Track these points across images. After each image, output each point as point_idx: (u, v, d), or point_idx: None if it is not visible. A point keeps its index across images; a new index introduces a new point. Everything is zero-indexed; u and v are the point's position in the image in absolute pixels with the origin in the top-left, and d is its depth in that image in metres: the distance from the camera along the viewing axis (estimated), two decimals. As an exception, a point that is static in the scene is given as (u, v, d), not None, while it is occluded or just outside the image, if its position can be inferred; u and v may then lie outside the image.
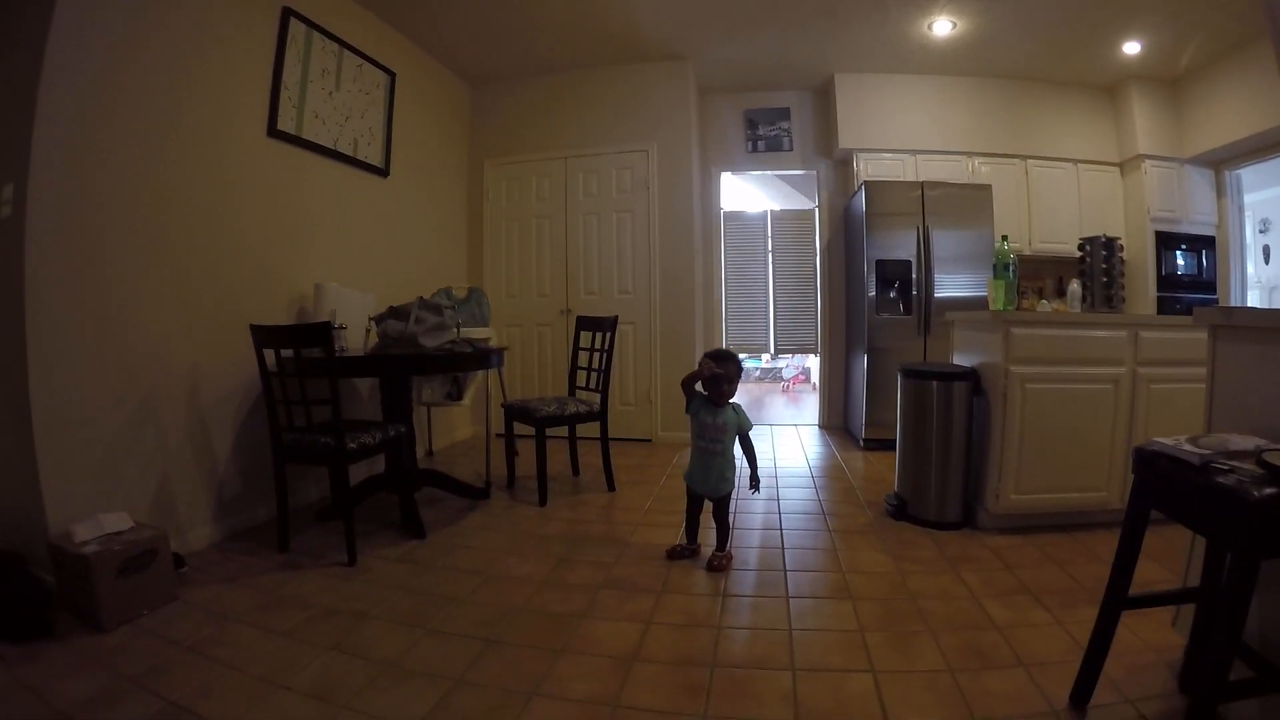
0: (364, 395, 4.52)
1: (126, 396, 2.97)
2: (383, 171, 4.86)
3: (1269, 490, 1.38)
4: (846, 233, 6.39)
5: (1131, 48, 5.31)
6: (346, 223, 4.48)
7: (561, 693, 2.03)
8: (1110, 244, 4.74)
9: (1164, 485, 1.68)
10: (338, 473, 3.12)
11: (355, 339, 3.88)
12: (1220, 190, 5.96)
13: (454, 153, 6.07)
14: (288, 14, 3.88)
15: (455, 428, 5.94)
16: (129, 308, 2.98)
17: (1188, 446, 1.64)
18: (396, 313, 3.60)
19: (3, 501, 2.74)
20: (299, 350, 3.01)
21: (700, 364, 3.01)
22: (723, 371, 2.98)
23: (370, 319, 3.80)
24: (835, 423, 6.68)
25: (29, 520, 2.65)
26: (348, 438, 3.07)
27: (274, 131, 3.81)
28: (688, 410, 3.11)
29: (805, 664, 2.19)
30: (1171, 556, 2.62)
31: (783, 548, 3.30)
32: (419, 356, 3.48)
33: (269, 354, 3.15)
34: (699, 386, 3.05)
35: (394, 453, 3.52)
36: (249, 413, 3.60)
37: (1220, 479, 1.48)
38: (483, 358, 3.71)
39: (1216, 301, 5.83)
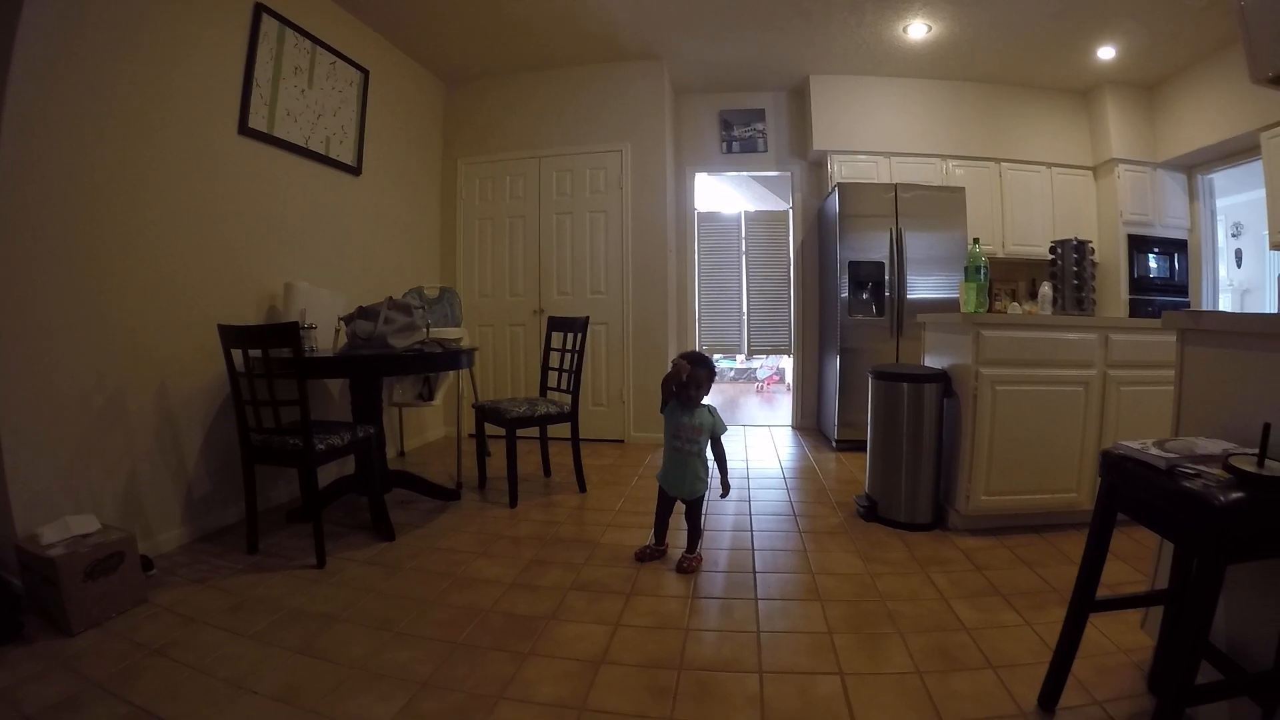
0: (334, 396, 4.47)
1: (94, 396, 2.91)
2: (355, 170, 4.80)
3: (1235, 495, 1.39)
4: (820, 234, 6.41)
5: (1106, 53, 5.37)
6: (318, 222, 4.42)
7: (528, 696, 2.01)
8: (1081, 246, 4.77)
9: (1131, 489, 1.69)
10: (306, 474, 3.07)
11: (325, 339, 3.84)
12: (1193, 194, 6.04)
13: (427, 151, 6.02)
14: (260, 10, 3.83)
15: (427, 428, 5.89)
16: (98, 306, 2.93)
17: (1154, 450, 1.65)
18: (365, 313, 3.55)
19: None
20: (267, 350, 2.96)
21: (676, 365, 3.00)
22: (691, 374, 2.98)
23: (339, 319, 3.75)
24: (808, 423, 6.70)
25: None
26: (316, 439, 3.03)
27: (245, 129, 3.76)
28: (663, 409, 3.11)
29: (773, 666, 2.19)
30: (1140, 557, 2.65)
31: (753, 549, 3.30)
32: (388, 357, 3.43)
33: (237, 354, 3.10)
34: (674, 388, 3.05)
35: (364, 454, 3.48)
36: (218, 413, 3.55)
37: (1187, 484, 1.48)
38: (453, 358, 3.68)
39: (1188, 305, 5.90)
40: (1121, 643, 2.26)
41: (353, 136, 4.78)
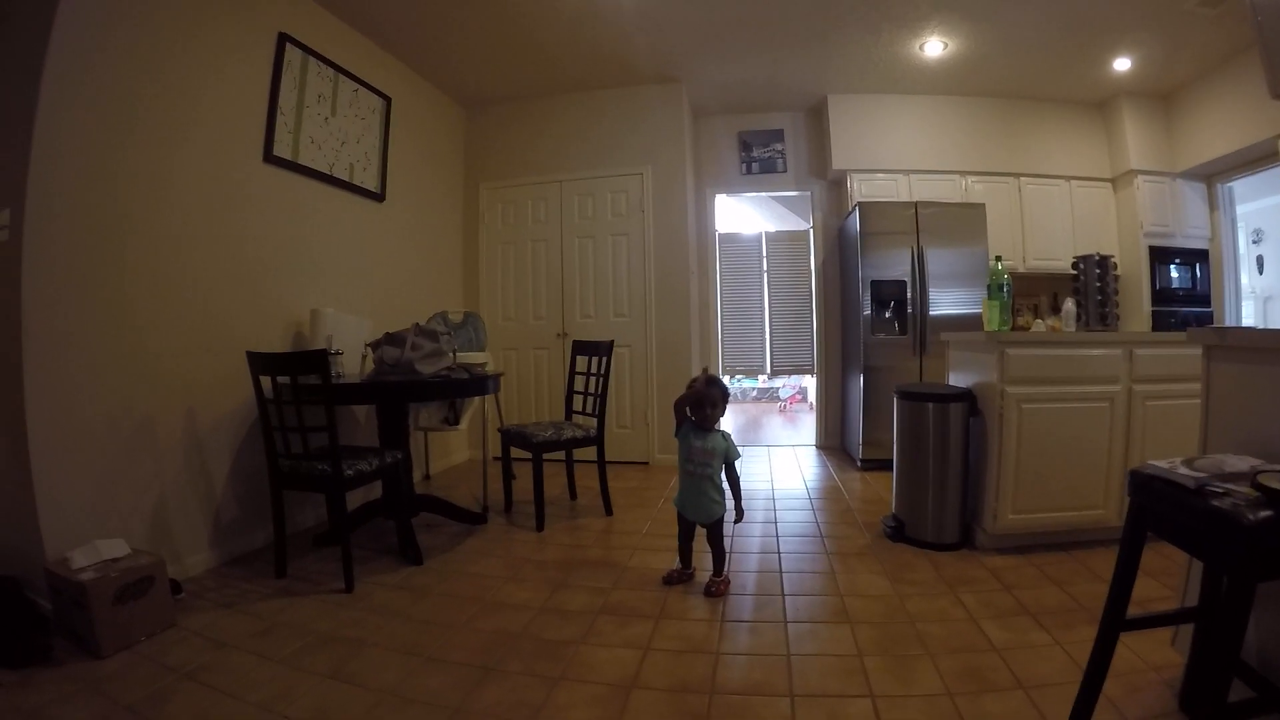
0: (360, 421, 4.52)
1: (122, 420, 2.96)
2: (379, 196, 4.87)
3: (1264, 513, 1.38)
4: (841, 253, 6.42)
5: (1122, 64, 5.35)
6: (343, 248, 4.49)
7: (561, 721, 2.02)
8: (1104, 262, 4.76)
9: (1160, 508, 1.68)
10: (335, 499, 3.11)
11: (352, 364, 3.89)
12: (1213, 204, 5.99)
13: (449, 176, 6.10)
14: (284, 40, 3.92)
15: (452, 451, 5.93)
16: (126, 332, 2.99)
17: (1183, 470, 1.64)
18: (393, 339, 3.60)
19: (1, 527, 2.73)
20: (296, 377, 3.02)
21: (688, 386, 3.03)
22: (706, 395, 2.99)
23: (366, 345, 3.81)
24: (832, 443, 6.68)
25: (26, 545, 2.64)
26: (345, 464, 3.07)
27: (270, 157, 3.83)
28: (677, 433, 3.12)
29: (803, 689, 2.19)
30: (1169, 573, 2.62)
31: (780, 571, 3.29)
32: (416, 383, 3.47)
33: (265, 380, 3.15)
34: (688, 410, 3.06)
35: (391, 479, 3.52)
36: (246, 437, 3.60)
37: (1215, 502, 1.47)
38: (479, 383, 3.72)
39: (1211, 315, 5.86)
40: (1152, 660, 2.24)
41: (376, 163, 4.85)
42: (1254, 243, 7.18)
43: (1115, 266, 5.30)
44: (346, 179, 4.52)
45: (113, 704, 2.09)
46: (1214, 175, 5.90)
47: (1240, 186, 5.90)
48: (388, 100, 4.95)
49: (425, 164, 5.64)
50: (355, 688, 2.21)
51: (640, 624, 2.70)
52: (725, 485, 3.08)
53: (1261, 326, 6.38)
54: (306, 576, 3.22)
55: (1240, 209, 6.13)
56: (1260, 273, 7.14)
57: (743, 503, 3.13)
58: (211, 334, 3.43)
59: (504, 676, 2.28)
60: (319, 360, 2.95)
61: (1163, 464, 1.71)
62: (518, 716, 2.04)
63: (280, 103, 3.89)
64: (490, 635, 2.60)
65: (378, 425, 3.79)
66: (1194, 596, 1.93)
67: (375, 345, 3.68)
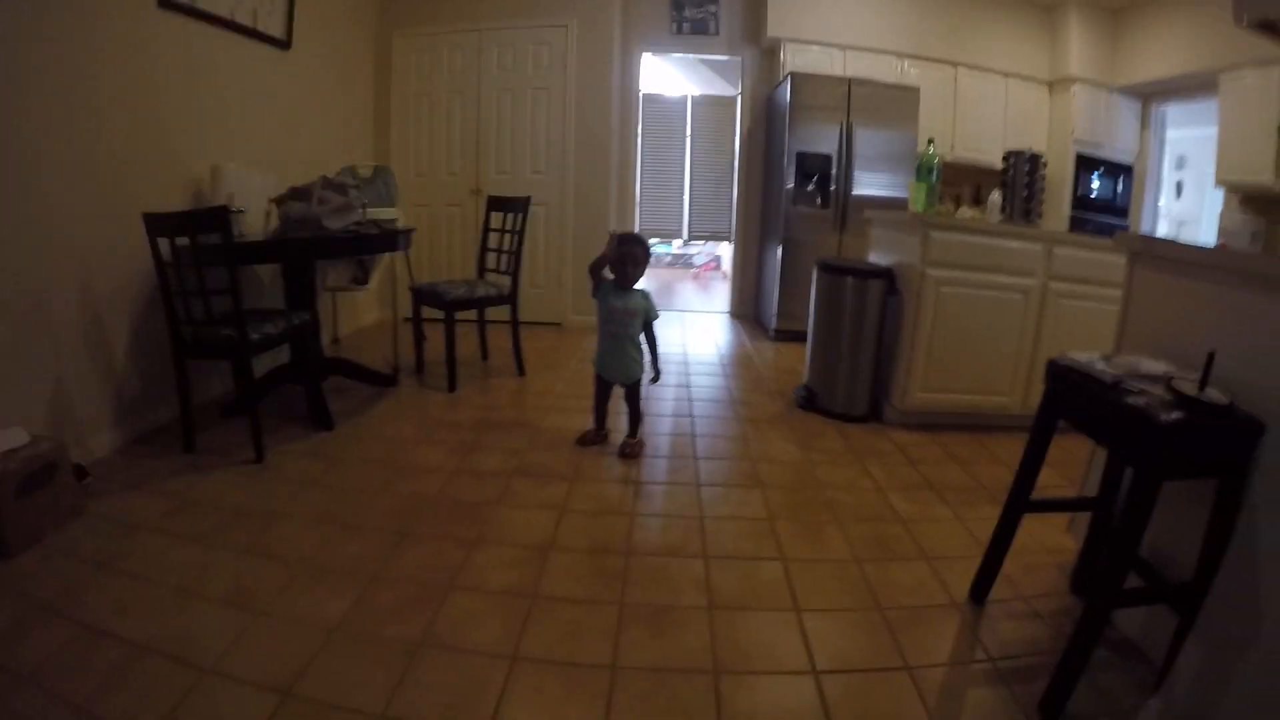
0: (265, 283, 4.27)
1: (14, 297, 2.67)
2: (284, 43, 4.42)
3: (1177, 415, 1.44)
4: (768, 123, 6.29)
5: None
6: (246, 99, 4.10)
7: (480, 584, 2.04)
8: (1035, 160, 4.83)
9: (1075, 398, 1.75)
10: (241, 366, 2.96)
11: (255, 223, 3.61)
12: (1145, 122, 6.14)
13: (361, 22, 5.62)
14: None
15: (361, 313, 5.75)
16: (11, 199, 2.66)
17: (1100, 365, 1.69)
18: (298, 193, 3.37)
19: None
20: (195, 237, 2.77)
21: (608, 245, 2.96)
22: (629, 253, 2.94)
23: (270, 200, 3.56)
24: (746, 312, 6.75)
25: None
26: (250, 329, 2.91)
27: (166, 1, 3.37)
28: (594, 294, 3.06)
29: (717, 551, 2.27)
30: (1068, 465, 2.74)
31: (694, 435, 3.37)
32: (322, 239, 3.29)
33: (164, 243, 2.88)
34: (606, 271, 3.00)
35: (299, 342, 3.37)
36: (146, 307, 3.32)
37: (1131, 400, 1.53)
38: (390, 239, 3.58)
39: (1128, 228, 6.05)
40: (1047, 544, 2.38)
41: (282, 6, 4.36)
42: (1177, 169, 7.38)
43: (1045, 166, 5.40)
44: (250, 24, 4.04)
45: (28, 602, 1.96)
46: (1151, 96, 6.01)
47: (1173, 111, 6.03)
48: None
49: (335, 9, 5.15)
50: (272, 561, 2.16)
51: (556, 485, 2.73)
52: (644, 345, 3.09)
53: (1179, 231, 6.71)
54: (215, 449, 3.06)
55: (1170, 134, 6.28)
56: (1178, 197, 7.37)
57: (659, 363, 3.14)
58: (107, 196, 3.09)
59: (421, 540, 2.28)
60: (219, 217, 2.74)
61: (1081, 357, 1.76)
62: (437, 579, 2.05)
63: None
64: (405, 499, 2.58)
65: (284, 286, 3.59)
66: (1094, 488, 2.04)
67: (280, 201, 3.45)
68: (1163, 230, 6.64)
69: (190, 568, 2.13)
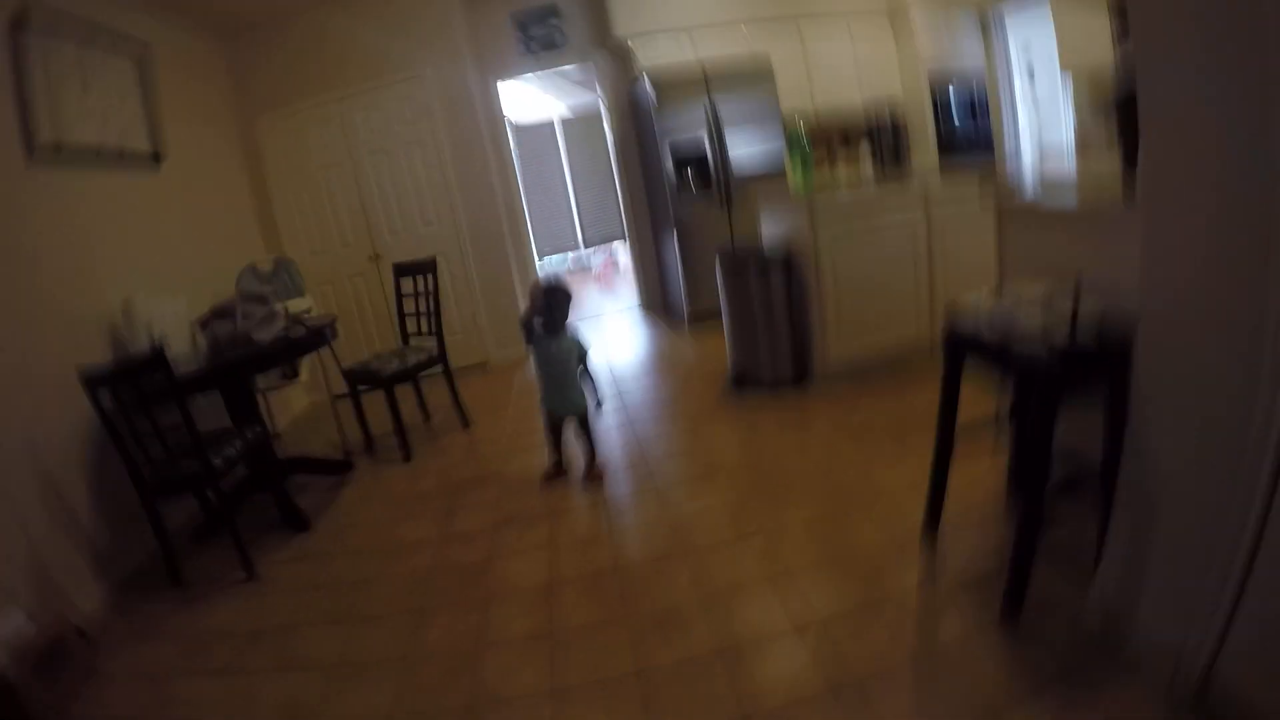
0: (197, 398, 4.31)
1: None
2: (155, 158, 4.41)
3: (1056, 367, 1.74)
4: (636, 120, 6.47)
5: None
6: (133, 228, 4.11)
7: (504, 637, 2.24)
8: (893, 104, 5.04)
9: (973, 350, 2.06)
10: (213, 492, 3.03)
11: (180, 347, 3.65)
12: (985, 28, 6.36)
13: (222, 117, 5.60)
14: (18, 26, 3.35)
15: (291, 403, 5.75)
16: None
17: (990, 305, 1.98)
18: (220, 313, 3.44)
19: None
20: (138, 383, 2.84)
21: (530, 297, 3.18)
22: (552, 300, 3.15)
23: (193, 323, 3.63)
24: (654, 302, 6.93)
25: None
26: (211, 455, 2.98)
27: (33, 152, 3.39)
28: (529, 344, 3.26)
29: (698, 543, 2.53)
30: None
31: (645, 442, 3.59)
32: (258, 354, 3.39)
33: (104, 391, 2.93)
34: (536, 319, 3.19)
35: (258, 455, 3.47)
36: (96, 458, 3.33)
37: (1018, 349, 1.83)
38: (318, 335, 3.66)
39: (989, 129, 6.36)
40: (982, 459, 2.64)
41: (144, 123, 4.35)
42: (1025, 53, 7.76)
43: (903, 109, 5.66)
44: (117, 149, 4.04)
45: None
46: (985, 2, 6.22)
47: (1009, 9, 6.25)
48: (142, 51, 4.38)
49: (196, 113, 5.13)
50: (307, 671, 2.26)
51: (537, 528, 2.92)
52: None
53: (1037, 128, 7.02)
54: (203, 577, 3.08)
55: (1010, 23, 6.44)
56: (1032, 81, 7.75)
57: (599, 394, 3.34)
58: (27, 362, 3.11)
59: (437, 613, 2.45)
60: (158, 360, 2.82)
61: (970, 300, 2.04)
62: (465, 645, 2.23)
63: (28, 93, 3.37)
64: (407, 579, 2.73)
65: (225, 403, 3.63)
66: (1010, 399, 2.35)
67: (204, 323, 3.52)
68: (1025, 117, 6.89)
69: (233, 700, 2.21)
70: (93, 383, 2.91)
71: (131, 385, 2.85)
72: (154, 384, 2.88)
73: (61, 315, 3.43)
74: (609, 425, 3.90)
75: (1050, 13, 5.38)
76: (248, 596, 2.87)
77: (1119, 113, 2.06)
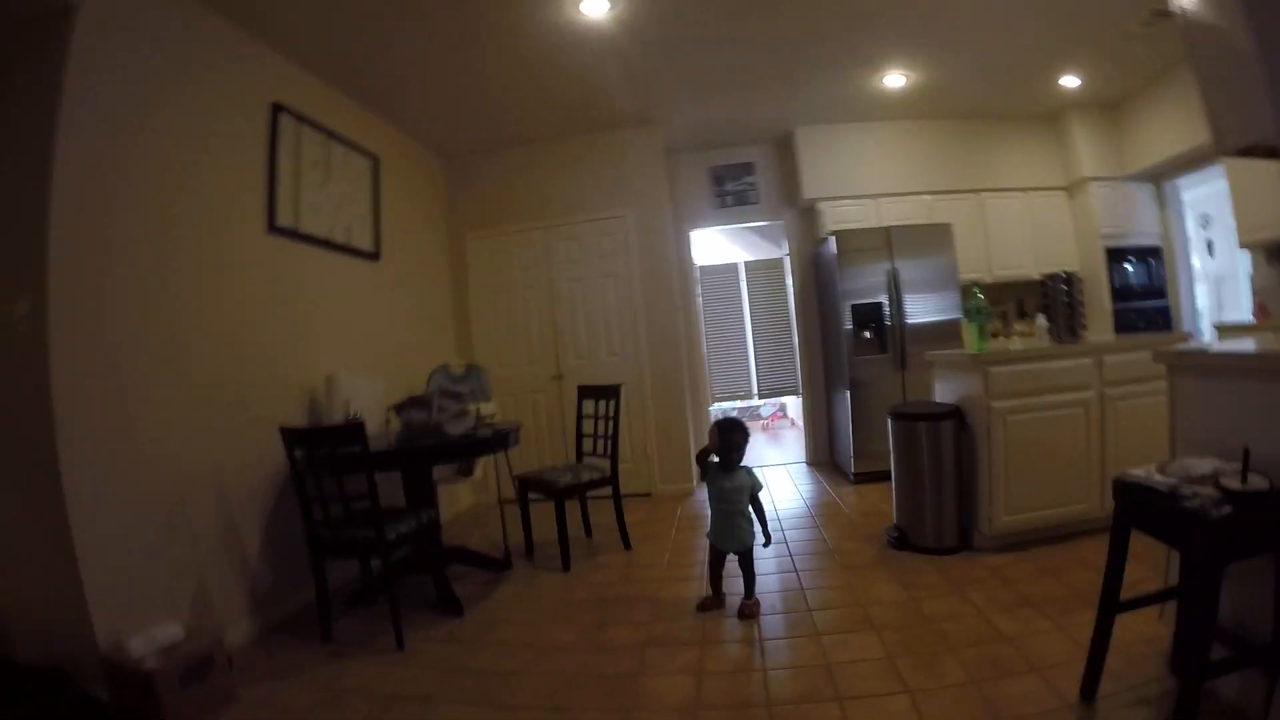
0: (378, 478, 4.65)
1: (157, 504, 3.02)
2: (374, 255, 4.98)
3: (1225, 510, 1.71)
4: (818, 277, 6.71)
5: (1070, 81, 5.73)
6: (346, 310, 4.59)
7: (642, 748, 2.23)
8: (1070, 277, 5.07)
9: (1140, 510, 2.01)
10: (383, 562, 3.24)
11: (372, 426, 3.98)
12: (1161, 201, 6.40)
13: (436, 229, 6.23)
14: (277, 109, 3.99)
15: (458, 498, 6.07)
16: (150, 414, 3.04)
17: (1157, 477, 1.94)
18: (418, 402, 3.77)
19: (44, 616, 2.76)
20: (335, 449, 3.14)
21: (710, 435, 3.32)
22: (730, 439, 3.27)
23: (390, 408, 3.97)
24: (822, 459, 6.92)
25: (74, 634, 2.65)
26: (387, 528, 3.20)
27: (273, 227, 3.90)
28: (704, 479, 3.39)
29: (848, 693, 2.44)
30: (1151, 555, 2.90)
31: (801, 588, 3.55)
32: (447, 445, 3.67)
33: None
34: (713, 457, 3.31)
35: (426, 537, 3.68)
36: (275, 506, 3.68)
37: (1185, 504, 1.80)
38: (502, 439, 3.90)
39: (1168, 306, 6.25)
40: (1143, 634, 2.53)
41: (369, 223, 4.94)
42: (1203, 228, 7.56)
43: (1080, 280, 5.63)
44: (345, 242, 4.60)
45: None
46: (1161, 175, 6.27)
47: (1185, 181, 6.26)
48: (375, 159, 5.05)
49: (414, 219, 5.77)
50: None
51: (687, 651, 2.91)
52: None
53: (1215, 308, 6.80)
54: (352, 639, 3.28)
55: (1187, 196, 6.50)
56: (1211, 256, 7.52)
57: (767, 528, 3.37)
58: (231, 408, 3.48)
59: (578, 715, 2.47)
60: (357, 432, 3.12)
61: (1139, 472, 2.02)
62: (602, 748, 2.25)
63: (279, 172, 3.96)
64: (552, 677, 2.77)
65: (404, 486, 3.91)
66: (1175, 576, 2.26)
67: (399, 409, 3.83)
68: (1201, 293, 6.70)
69: None
70: (292, 438, 3.24)
71: (328, 449, 3.14)
72: (346, 454, 3.16)
73: (272, 371, 3.85)
74: (769, 569, 3.86)
75: (1228, 186, 5.20)
76: (392, 664, 3.01)
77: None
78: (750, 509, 3.33)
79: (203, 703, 2.60)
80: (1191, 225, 6.66)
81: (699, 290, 7.13)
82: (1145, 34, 4.83)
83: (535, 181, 6.31)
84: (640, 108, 5.75)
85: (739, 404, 11.04)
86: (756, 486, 3.32)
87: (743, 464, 3.33)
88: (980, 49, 5.03)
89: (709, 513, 3.41)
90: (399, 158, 5.58)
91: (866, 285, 5.79)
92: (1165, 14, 4.27)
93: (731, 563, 3.37)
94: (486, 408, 4.75)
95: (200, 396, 3.33)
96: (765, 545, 3.37)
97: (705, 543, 3.59)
